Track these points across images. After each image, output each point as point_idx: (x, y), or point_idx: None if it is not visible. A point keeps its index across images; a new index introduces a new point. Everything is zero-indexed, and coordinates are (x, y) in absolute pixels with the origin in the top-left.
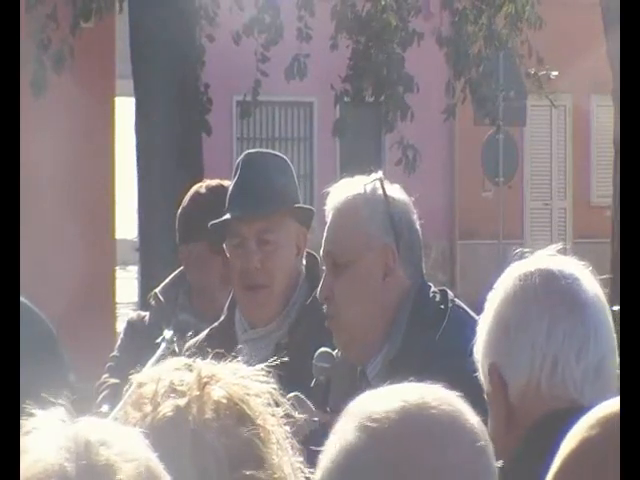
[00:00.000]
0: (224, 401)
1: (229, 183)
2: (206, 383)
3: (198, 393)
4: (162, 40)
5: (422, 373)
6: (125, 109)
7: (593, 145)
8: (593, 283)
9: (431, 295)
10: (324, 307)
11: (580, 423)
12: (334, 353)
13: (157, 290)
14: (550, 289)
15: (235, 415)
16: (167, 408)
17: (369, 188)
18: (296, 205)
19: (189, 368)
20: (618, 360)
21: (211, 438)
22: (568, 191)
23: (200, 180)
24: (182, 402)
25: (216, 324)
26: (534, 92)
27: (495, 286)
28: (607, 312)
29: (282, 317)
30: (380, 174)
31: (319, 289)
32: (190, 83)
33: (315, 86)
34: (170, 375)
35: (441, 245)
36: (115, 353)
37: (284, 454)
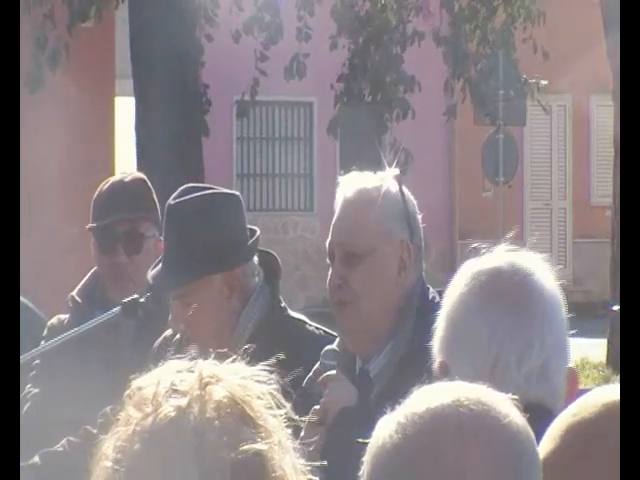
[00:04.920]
0: (225, 401)
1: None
2: (207, 383)
3: (199, 393)
4: (162, 40)
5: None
6: (125, 109)
7: (593, 145)
8: (548, 278)
9: (431, 295)
10: (333, 294)
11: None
12: (339, 350)
13: (74, 292)
14: (496, 288)
15: (237, 415)
16: (168, 409)
17: (386, 183)
18: (216, 267)
19: (190, 369)
20: (568, 357)
21: (212, 437)
22: (568, 191)
23: (200, 179)
24: (183, 402)
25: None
26: (529, 95)
27: (449, 284)
28: (559, 309)
29: (234, 343)
30: (397, 171)
31: (329, 277)
32: (190, 83)
33: (315, 86)
34: (171, 376)
35: (441, 245)
36: (37, 361)
37: (286, 455)
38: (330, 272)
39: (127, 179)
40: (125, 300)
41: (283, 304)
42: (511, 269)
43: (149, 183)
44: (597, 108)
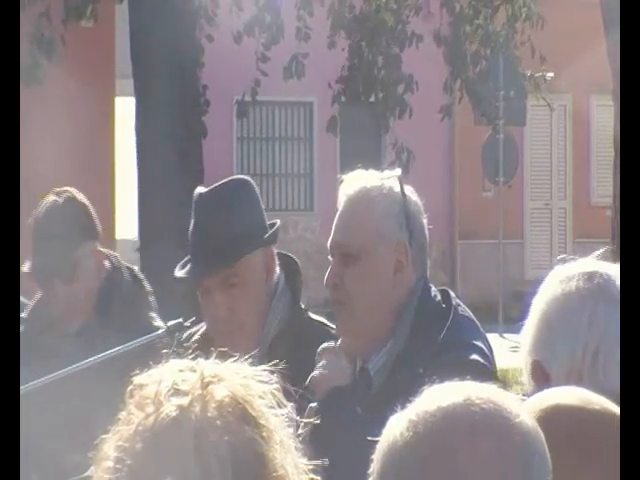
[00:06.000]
0: (227, 400)
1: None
2: (209, 383)
3: (201, 392)
4: (162, 40)
5: (430, 367)
6: (125, 109)
7: (593, 145)
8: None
9: (433, 294)
10: (330, 293)
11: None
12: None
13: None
14: (591, 283)
15: (238, 414)
16: (170, 408)
17: (387, 183)
18: (260, 241)
19: (192, 369)
20: None
21: (214, 436)
22: (568, 191)
23: (200, 179)
24: (185, 401)
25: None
26: (532, 93)
27: (539, 290)
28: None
29: (261, 342)
30: (399, 171)
31: (326, 276)
32: (190, 83)
33: (315, 86)
34: (173, 376)
35: (441, 245)
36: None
37: (287, 454)
38: (328, 271)
39: (48, 211)
40: (170, 323)
41: (303, 306)
42: (600, 270)
43: (78, 202)
44: (597, 108)
